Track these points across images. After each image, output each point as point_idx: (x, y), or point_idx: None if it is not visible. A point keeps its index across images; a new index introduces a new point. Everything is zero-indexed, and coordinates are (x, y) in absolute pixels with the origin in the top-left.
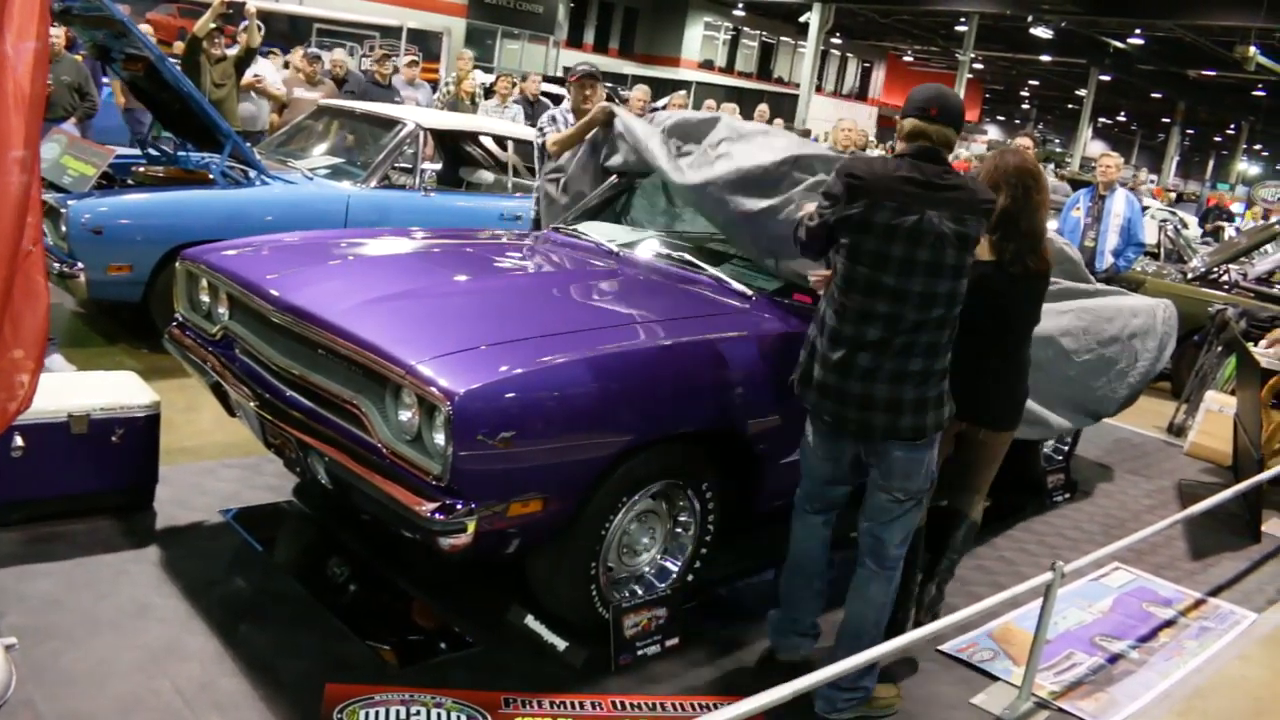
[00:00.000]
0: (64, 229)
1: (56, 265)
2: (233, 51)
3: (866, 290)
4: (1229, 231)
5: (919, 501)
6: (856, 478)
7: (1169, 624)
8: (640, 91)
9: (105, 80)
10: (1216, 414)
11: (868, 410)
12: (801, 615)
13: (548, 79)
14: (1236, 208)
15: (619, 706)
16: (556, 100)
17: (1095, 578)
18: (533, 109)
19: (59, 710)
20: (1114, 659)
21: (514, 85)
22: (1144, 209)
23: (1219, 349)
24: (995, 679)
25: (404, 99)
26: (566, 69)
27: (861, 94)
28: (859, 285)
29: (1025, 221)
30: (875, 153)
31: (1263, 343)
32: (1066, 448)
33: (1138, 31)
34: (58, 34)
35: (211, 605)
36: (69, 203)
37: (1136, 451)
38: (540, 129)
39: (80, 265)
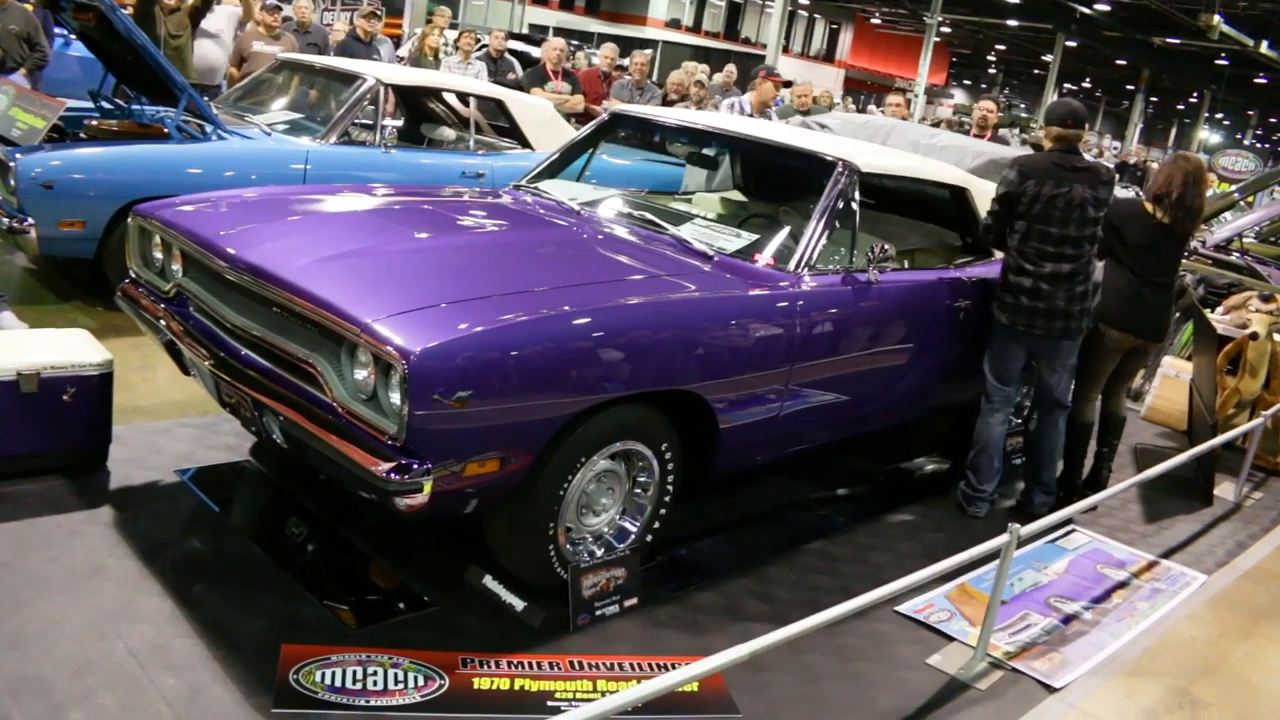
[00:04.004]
0: (13, 183)
1: (6, 220)
2: (188, 2)
3: (1039, 238)
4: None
5: (1071, 372)
6: (1021, 381)
7: (1122, 585)
8: (608, 50)
9: (57, 30)
10: (1173, 379)
11: (1048, 318)
12: (984, 485)
13: (513, 36)
14: None
15: (577, 666)
16: (522, 58)
17: (1052, 540)
18: (496, 66)
19: (7, 673)
20: (1068, 620)
21: (477, 41)
22: None
23: (1177, 315)
24: (951, 639)
25: (381, 57)
26: (533, 26)
27: (829, 55)
28: (1034, 235)
29: (1190, 201)
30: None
31: (1219, 309)
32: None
33: None
34: None
35: (166, 566)
36: (18, 156)
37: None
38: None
39: (30, 221)
